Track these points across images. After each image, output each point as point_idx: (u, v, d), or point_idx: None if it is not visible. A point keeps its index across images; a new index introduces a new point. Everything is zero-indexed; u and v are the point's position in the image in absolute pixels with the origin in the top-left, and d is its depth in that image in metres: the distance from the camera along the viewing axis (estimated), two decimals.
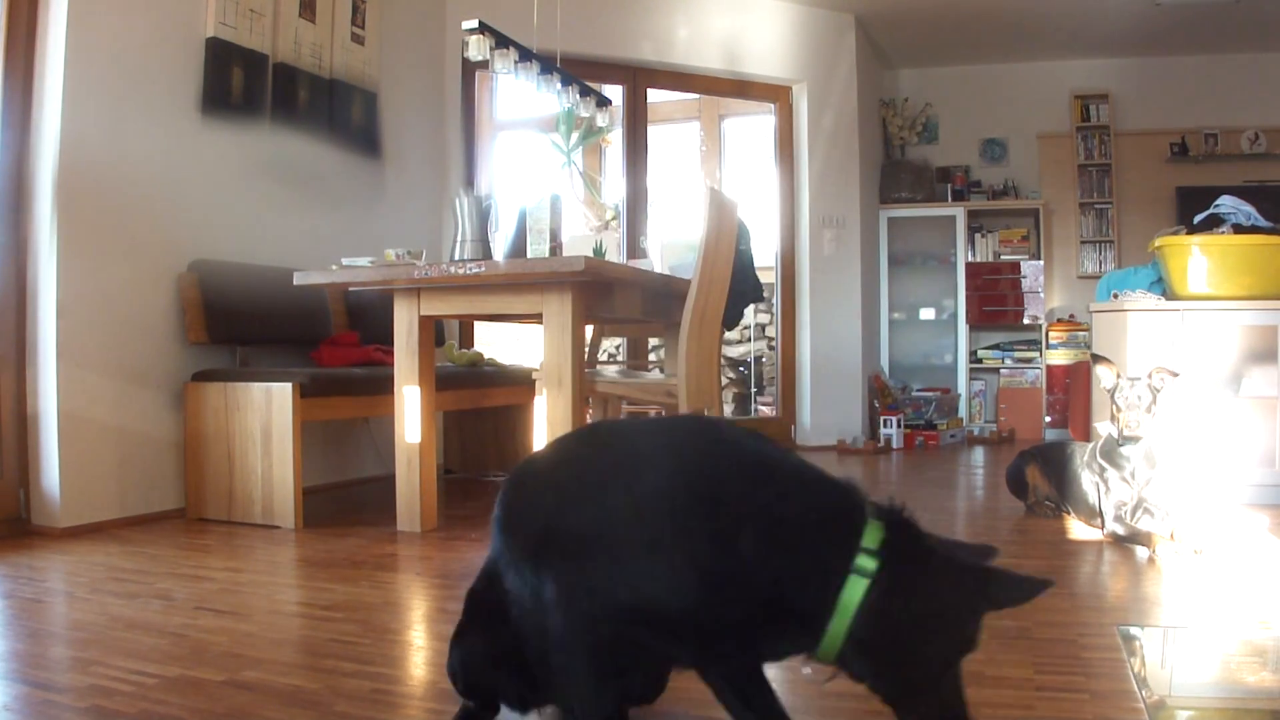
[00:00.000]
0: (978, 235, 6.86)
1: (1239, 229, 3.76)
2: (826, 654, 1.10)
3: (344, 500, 3.89)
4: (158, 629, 2.01)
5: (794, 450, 1.33)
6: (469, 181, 5.03)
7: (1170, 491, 2.93)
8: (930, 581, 1.08)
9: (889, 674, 1.10)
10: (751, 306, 3.87)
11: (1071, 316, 6.64)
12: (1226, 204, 3.89)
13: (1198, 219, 3.93)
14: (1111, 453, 2.96)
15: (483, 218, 3.14)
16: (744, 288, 3.58)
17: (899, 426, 5.92)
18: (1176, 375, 2.98)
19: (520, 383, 4.17)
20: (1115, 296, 4.05)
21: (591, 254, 3.31)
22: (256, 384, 3.27)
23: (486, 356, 4.42)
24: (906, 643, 1.08)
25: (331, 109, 4.18)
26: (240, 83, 3.72)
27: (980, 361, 6.75)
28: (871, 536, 1.09)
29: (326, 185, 4.19)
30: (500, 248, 3.22)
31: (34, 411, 3.12)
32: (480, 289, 3.03)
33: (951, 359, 6.77)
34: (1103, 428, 3.04)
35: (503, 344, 5.20)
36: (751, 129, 7.33)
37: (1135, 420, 2.89)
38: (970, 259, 6.79)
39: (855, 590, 1.06)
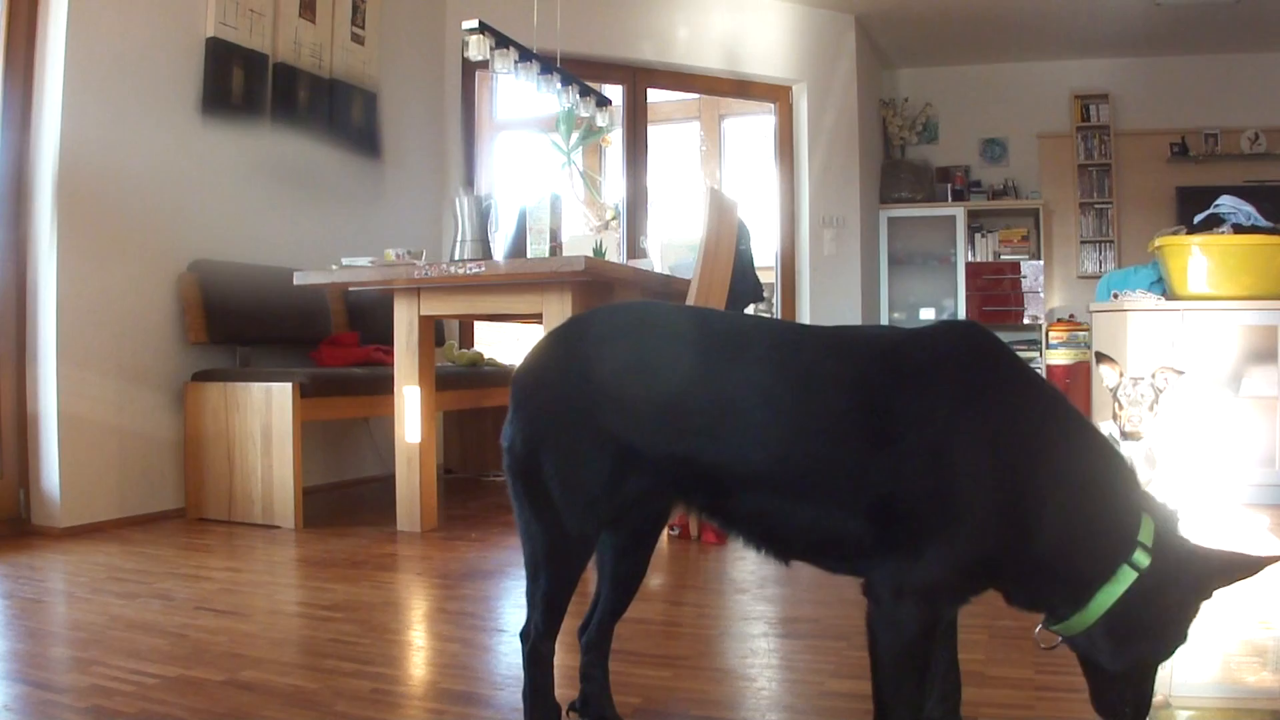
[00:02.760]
0: (978, 235, 6.86)
1: (1239, 229, 3.76)
2: (1072, 626, 1.15)
3: (344, 500, 3.89)
4: (158, 629, 2.01)
5: None
6: (469, 181, 5.03)
7: (1171, 492, 2.92)
8: (1181, 587, 1.13)
9: (1117, 657, 1.15)
10: (751, 306, 3.86)
11: (1071, 316, 6.64)
12: (1226, 204, 3.89)
13: (1198, 219, 3.93)
14: None
15: (483, 218, 3.14)
16: (744, 288, 3.57)
17: None
18: (1182, 373, 2.98)
19: None
20: (1115, 296, 4.04)
21: (591, 254, 3.31)
22: (256, 384, 3.27)
23: (486, 356, 4.42)
24: (1147, 633, 1.14)
25: (331, 109, 4.18)
26: (240, 83, 3.72)
27: None
28: (1146, 530, 1.13)
29: (326, 185, 4.19)
30: (500, 248, 3.22)
31: (34, 411, 3.12)
32: (480, 289, 3.03)
33: None
34: (1105, 427, 3.04)
35: (503, 344, 5.20)
36: (751, 129, 7.33)
37: (1137, 417, 2.89)
38: (970, 259, 6.79)
39: (1124, 579, 1.11)
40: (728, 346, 1.24)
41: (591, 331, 1.31)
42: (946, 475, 1.11)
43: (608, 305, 1.36)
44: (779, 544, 1.24)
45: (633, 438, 1.22)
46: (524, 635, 1.32)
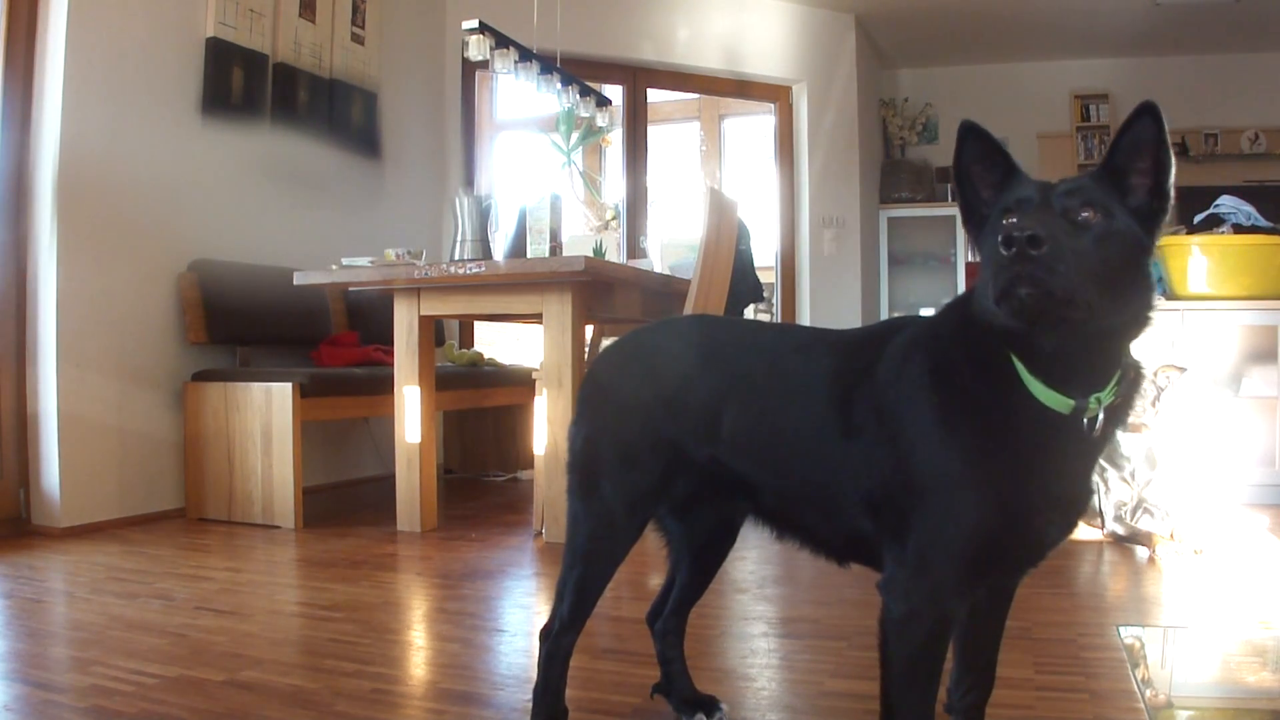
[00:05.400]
0: None
1: (1239, 229, 3.76)
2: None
3: (344, 500, 3.89)
4: (158, 629, 2.01)
5: None
6: (469, 181, 5.03)
7: (1170, 491, 2.93)
8: None
9: None
10: (751, 306, 3.86)
11: None
12: (1226, 204, 3.89)
13: (1198, 219, 3.92)
14: (1112, 453, 2.96)
15: (483, 218, 3.14)
16: (744, 288, 3.57)
17: None
18: (1184, 370, 2.98)
19: (520, 383, 4.17)
20: None
21: (591, 254, 3.31)
22: (256, 384, 3.27)
23: (486, 356, 4.42)
24: None
25: (331, 109, 4.18)
26: (240, 83, 3.72)
27: None
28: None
29: (326, 185, 4.19)
30: (500, 248, 3.22)
31: (34, 411, 3.12)
32: (480, 289, 3.03)
33: None
34: None
35: (503, 344, 5.20)
36: (751, 129, 7.32)
37: (1140, 408, 2.90)
38: (970, 259, 6.78)
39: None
40: (753, 356, 1.28)
41: (652, 340, 1.38)
42: (908, 464, 1.08)
43: (671, 317, 1.45)
44: (823, 547, 1.26)
45: (681, 441, 1.27)
46: (544, 634, 1.33)
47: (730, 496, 1.31)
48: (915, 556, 1.08)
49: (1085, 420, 1.01)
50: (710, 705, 1.47)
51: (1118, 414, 1.05)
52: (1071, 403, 1.00)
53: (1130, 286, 0.99)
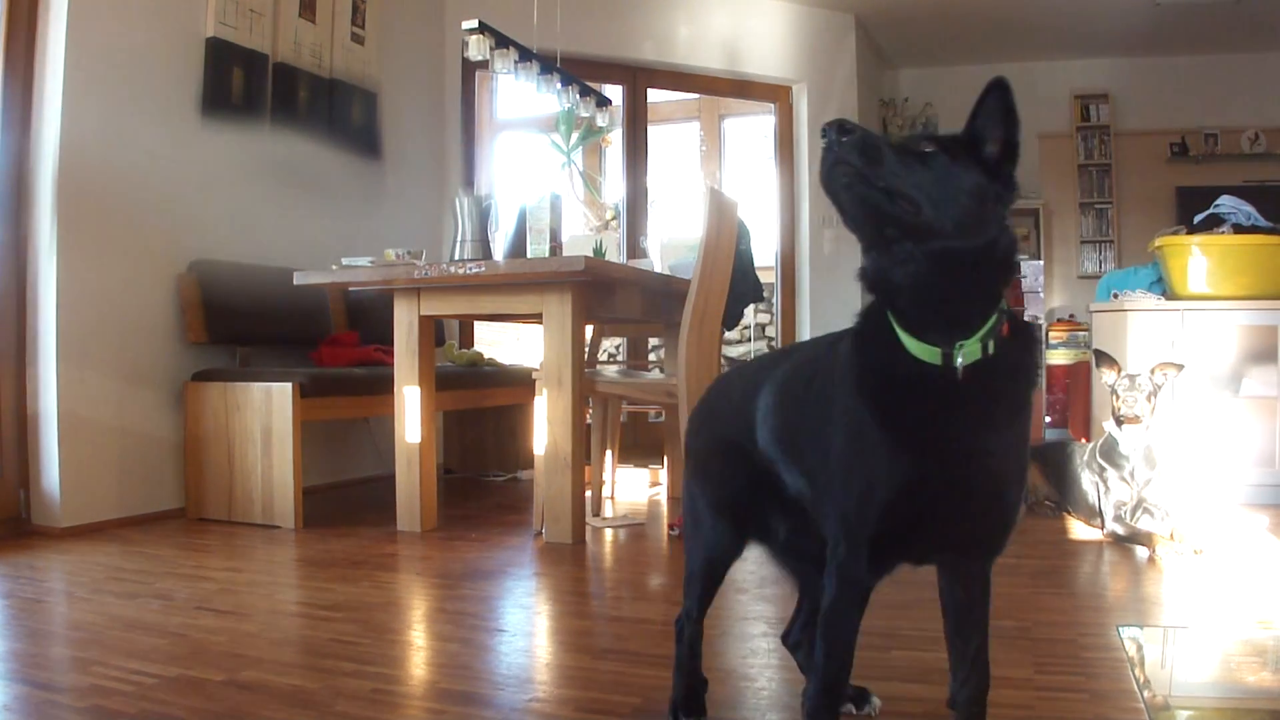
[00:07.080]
0: None
1: (1239, 229, 3.76)
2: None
3: (344, 500, 3.89)
4: (158, 629, 2.01)
5: None
6: (469, 181, 5.03)
7: (1170, 491, 2.93)
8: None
9: None
10: (751, 306, 3.86)
11: (1071, 316, 6.63)
12: (1226, 204, 3.89)
13: (1198, 219, 3.93)
14: (1111, 452, 2.96)
15: (483, 218, 3.14)
16: (744, 288, 3.57)
17: None
18: (1181, 367, 2.99)
19: (520, 383, 4.17)
20: (1115, 296, 4.04)
21: (591, 254, 3.31)
22: (256, 384, 3.27)
23: (486, 356, 4.42)
24: None
25: (331, 109, 4.18)
26: (240, 83, 3.72)
27: None
28: None
29: (326, 185, 4.19)
30: (500, 248, 3.22)
31: (34, 411, 3.12)
32: (480, 289, 3.03)
33: None
34: (1107, 425, 3.04)
35: (503, 344, 5.20)
36: (751, 129, 7.33)
37: (1133, 399, 2.90)
38: None
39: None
40: (789, 369, 1.37)
41: (729, 374, 1.54)
42: (810, 450, 1.21)
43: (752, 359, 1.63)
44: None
45: (745, 446, 1.37)
46: (678, 620, 1.49)
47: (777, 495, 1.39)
48: (830, 539, 1.16)
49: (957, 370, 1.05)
50: (860, 697, 1.52)
51: (1019, 369, 1.09)
52: (939, 350, 1.05)
53: (974, 214, 1.04)
